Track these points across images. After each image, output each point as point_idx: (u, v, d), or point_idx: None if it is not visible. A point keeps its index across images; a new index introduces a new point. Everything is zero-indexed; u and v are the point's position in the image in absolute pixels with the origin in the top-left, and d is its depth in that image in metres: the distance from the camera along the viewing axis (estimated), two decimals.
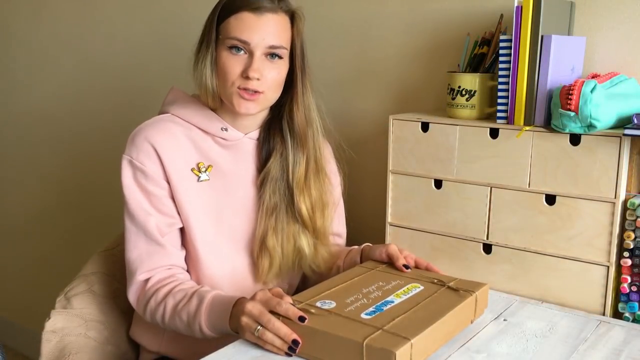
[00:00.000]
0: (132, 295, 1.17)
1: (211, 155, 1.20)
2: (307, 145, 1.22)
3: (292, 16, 1.18)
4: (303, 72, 1.20)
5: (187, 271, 1.20)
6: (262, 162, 1.24)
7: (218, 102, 1.19)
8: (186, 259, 1.20)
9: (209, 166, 1.20)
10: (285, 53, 1.16)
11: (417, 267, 1.18)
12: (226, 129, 1.21)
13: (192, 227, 1.17)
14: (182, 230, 1.19)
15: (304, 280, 1.35)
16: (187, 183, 1.17)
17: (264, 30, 1.13)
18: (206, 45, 1.15)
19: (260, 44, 1.12)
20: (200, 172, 1.19)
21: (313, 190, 1.23)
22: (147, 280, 1.15)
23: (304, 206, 1.22)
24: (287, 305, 0.96)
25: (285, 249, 1.22)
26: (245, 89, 1.13)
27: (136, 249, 1.15)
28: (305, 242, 1.23)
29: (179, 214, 1.17)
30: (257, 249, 1.22)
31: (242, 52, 1.13)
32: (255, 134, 1.24)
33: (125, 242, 1.17)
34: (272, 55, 1.15)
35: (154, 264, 1.15)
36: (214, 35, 1.15)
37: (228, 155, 1.22)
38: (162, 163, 1.15)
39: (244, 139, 1.23)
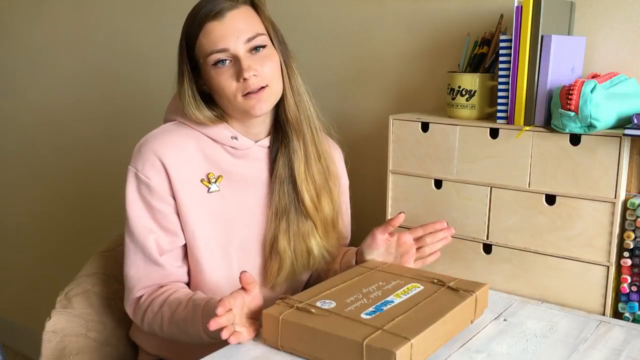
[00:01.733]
0: (129, 309, 1.17)
1: (222, 164, 1.18)
2: (302, 130, 1.19)
3: (253, 5, 1.15)
4: (285, 56, 1.17)
5: (188, 283, 1.19)
6: (273, 167, 1.22)
7: (218, 120, 1.16)
8: (190, 271, 1.18)
9: (219, 177, 1.17)
10: (266, 39, 1.13)
11: (413, 234, 1.20)
12: (236, 138, 1.18)
13: (197, 241, 1.15)
14: (185, 245, 1.17)
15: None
16: (195, 195, 1.15)
17: (234, 29, 1.10)
18: (182, 76, 1.14)
19: (237, 43, 1.10)
20: (210, 183, 1.16)
21: (316, 175, 1.21)
22: (141, 297, 1.15)
23: (307, 195, 1.19)
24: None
25: (296, 251, 1.21)
26: (249, 93, 1.11)
27: (134, 267, 1.14)
28: (314, 243, 1.22)
29: (182, 229, 1.15)
30: (267, 253, 1.21)
31: (228, 61, 1.11)
32: (266, 141, 1.21)
33: (124, 257, 1.15)
34: (256, 48, 1.12)
35: (150, 282, 1.14)
36: (187, 64, 1.13)
37: (239, 164, 1.19)
38: (169, 176, 1.13)
39: (255, 147, 1.20)
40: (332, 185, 1.24)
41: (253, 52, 1.12)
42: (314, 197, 1.21)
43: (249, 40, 1.11)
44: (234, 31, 1.10)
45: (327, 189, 1.23)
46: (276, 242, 1.19)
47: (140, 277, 1.14)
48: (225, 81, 1.11)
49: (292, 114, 1.18)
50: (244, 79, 1.09)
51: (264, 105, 1.12)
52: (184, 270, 1.18)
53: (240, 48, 1.10)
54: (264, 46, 1.13)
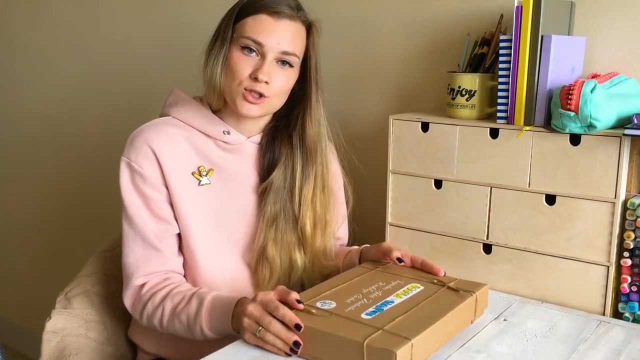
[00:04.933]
0: (128, 300, 1.17)
1: (213, 158, 1.19)
2: (316, 161, 1.22)
3: (309, 27, 1.18)
4: (317, 86, 1.20)
5: (184, 276, 1.19)
6: (265, 169, 1.22)
7: (222, 103, 1.18)
8: (184, 265, 1.19)
9: (209, 170, 1.19)
10: (296, 62, 1.16)
11: (412, 264, 1.17)
12: (228, 132, 1.20)
13: (191, 232, 1.16)
14: (180, 236, 1.18)
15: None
16: (187, 187, 1.16)
17: (280, 35, 1.12)
18: (220, 44, 1.15)
19: (274, 47, 1.12)
20: (201, 175, 1.18)
21: (318, 207, 1.23)
22: (143, 285, 1.15)
23: (308, 222, 1.21)
24: (285, 311, 0.96)
25: (283, 260, 1.22)
26: (251, 91, 1.12)
27: (133, 253, 1.15)
28: (298, 256, 1.23)
29: (176, 219, 1.16)
30: (256, 258, 1.21)
31: (254, 53, 1.13)
32: (257, 137, 1.23)
33: (123, 245, 1.16)
34: (284, 62, 1.14)
35: (150, 269, 1.14)
36: (230, 33, 1.15)
37: (230, 158, 1.21)
38: (161, 166, 1.14)
39: (246, 142, 1.22)
40: (329, 220, 1.25)
41: (279, 63, 1.14)
42: (311, 226, 1.22)
43: (284, 53, 1.13)
44: (279, 37, 1.12)
45: (323, 223, 1.24)
46: (265, 249, 1.20)
47: (140, 263, 1.14)
48: (242, 66, 1.13)
49: (312, 141, 1.21)
50: (256, 78, 1.11)
51: (255, 110, 1.14)
52: (180, 260, 1.18)
53: (272, 52, 1.12)
54: (291, 65, 1.15)
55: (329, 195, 1.26)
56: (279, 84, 1.14)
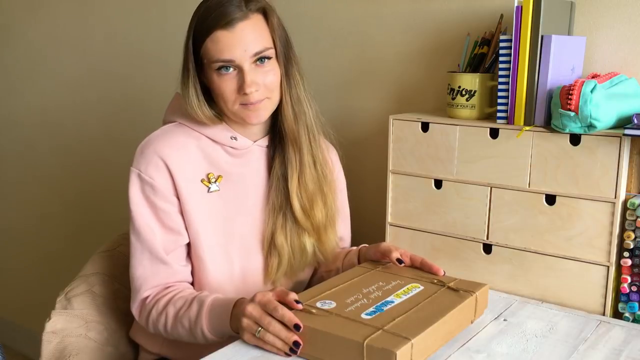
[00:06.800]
0: (136, 310, 1.17)
1: (221, 165, 1.19)
2: (300, 140, 1.19)
3: (264, 13, 1.14)
4: (287, 64, 1.16)
5: (192, 283, 1.19)
6: (272, 165, 1.23)
7: (218, 120, 1.17)
8: (193, 270, 1.19)
9: (218, 176, 1.18)
10: (272, 52, 1.14)
11: (412, 263, 1.17)
12: (235, 138, 1.19)
13: (200, 240, 1.16)
14: (188, 244, 1.18)
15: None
16: (197, 195, 1.16)
17: (243, 42, 1.10)
18: (186, 73, 1.14)
19: (243, 56, 1.10)
20: (210, 182, 1.17)
21: (309, 183, 1.21)
22: (148, 297, 1.16)
23: (297, 203, 1.20)
24: (284, 311, 0.96)
25: (293, 247, 1.22)
26: (247, 104, 1.12)
27: (141, 267, 1.14)
28: (307, 241, 1.23)
29: (186, 228, 1.16)
30: (267, 248, 1.22)
31: (231, 69, 1.11)
32: (264, 141, 1.23)
33: (131, 257, 1.16)
34: (261, 59, 1.12)
35: (158, 282, 1.15)
36: (193, 62, 1.13)
37: (238, 164, 1.20)
38: (172, 177, 1.13)
39: (253, 146, 1.22)
40: (326, 191, 1.25)
41: (257, 62, 1.12)
42: (305, 205, 1.22)
43: (257, 54, 1.11)
44: (242, 43, 1.10)
45: (321, 195, 1.24)
46: (274, 237, 1.21)
47: (147, 276, 1.14)
48: (226, 87, 1.12)
49: (289, 126, 1.19)
50: (245, 93, 1.11)
51: (261, 114, 1.14)
52: (188, 269, 1.18)
53: (246, 60, 1.11)
54: (269, 58, 1.13)
55: (323, 168, 1.24)
56: (269, 82, 1.13)
